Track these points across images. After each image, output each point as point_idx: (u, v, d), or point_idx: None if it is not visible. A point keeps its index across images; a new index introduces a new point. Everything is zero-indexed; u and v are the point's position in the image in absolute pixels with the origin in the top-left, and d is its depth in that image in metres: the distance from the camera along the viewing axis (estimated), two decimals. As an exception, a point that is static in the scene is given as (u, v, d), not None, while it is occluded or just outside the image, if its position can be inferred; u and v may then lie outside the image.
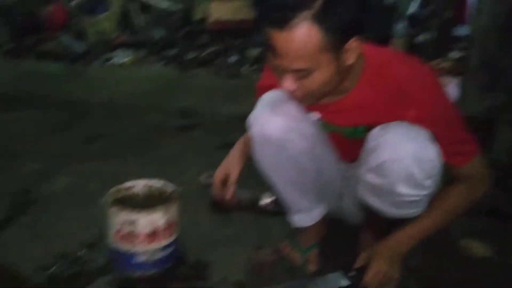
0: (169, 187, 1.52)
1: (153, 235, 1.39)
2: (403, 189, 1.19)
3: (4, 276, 1.40)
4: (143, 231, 1.37)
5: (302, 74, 1.13)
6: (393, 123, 1.20)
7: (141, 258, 1.39)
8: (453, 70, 2.94)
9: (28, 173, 2.01)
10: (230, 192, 1.43)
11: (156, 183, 1.53)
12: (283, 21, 1.08)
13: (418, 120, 1.19)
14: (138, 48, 3.99)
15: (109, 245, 1.42)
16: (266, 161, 1.39)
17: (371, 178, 1.23)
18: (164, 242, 1.41)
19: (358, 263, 1.34)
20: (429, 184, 1.20)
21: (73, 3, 4.32)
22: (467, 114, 1.56)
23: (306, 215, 1.49)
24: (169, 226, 1.42)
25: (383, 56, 1.25)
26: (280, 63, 1.13)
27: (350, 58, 1.15)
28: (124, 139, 2.42)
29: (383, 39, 3.38)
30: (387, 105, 1.21)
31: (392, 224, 1.32)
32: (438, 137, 1.20)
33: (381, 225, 1.43)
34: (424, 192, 1.21)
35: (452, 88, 2.29)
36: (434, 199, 1.27)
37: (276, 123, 1.30)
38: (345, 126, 1.31)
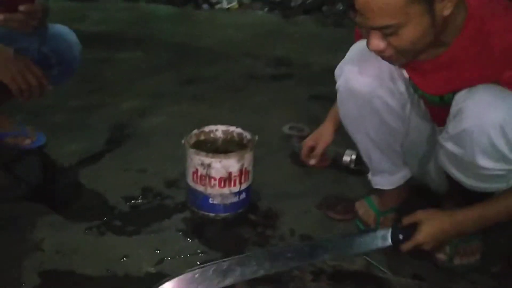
0: (248, 135, 1.53)
1: (226, 179, 1.42)
2: (485, 162, 1.08)
3: (93, 202, 1.53)
4: (217, 175, 1.41)
5: (389, 31, 1.02)
6: (482, 85, 1.07)
7: (214, 201, 1.45)
8: None
9: (126, 110, 2.14)
10: (313, 161, 1.51)
11: (236, 129, 1.56)
12: None
13: None
14: (244, -7, 3.99)
15: (187, 184, 1.49)
16: (350, 116, 1.34)
17: (451, 146, 1.12)
18: (237, 187, 1.45)
19: (408, 220, 1.20)
20: None
21: None
22: None
23: (387, 178, 1.43)
24: (242, 172, 1.44)
25: (490, 4, 1.09)
26: (363, 21, 1.03)
27: (446, 7, 1.01)
28: (218, 84, 2.47)
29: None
30: (485, 66, 1.08)
31: (478, 198, 1.21)
32: None
33: (466, 198, 1.32)
34: (508, 167, 1.08)
35: None
36: None
37: (364, 77, 1.23)
38: (432, 95, 1.20)
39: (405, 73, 1.24)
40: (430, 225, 1.14)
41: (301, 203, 1.56)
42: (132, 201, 1.54)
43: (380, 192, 1.47)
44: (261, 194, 1.57)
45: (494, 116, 1.04)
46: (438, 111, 1.23)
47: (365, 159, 1.43)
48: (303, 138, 1.82)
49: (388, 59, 1.12)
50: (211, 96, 2.32)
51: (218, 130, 1.56)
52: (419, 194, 1.48)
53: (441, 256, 1.32)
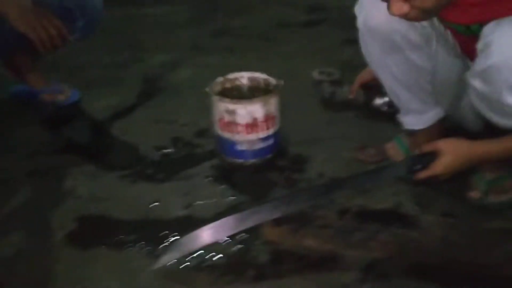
0: (274, 80, 1.51)
1: (252, 125, 1.42)
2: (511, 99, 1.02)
3: (125, 152, 1.58)
4: (242, 121, 1.41)
5: None
6: (510, 18, 1.00)
7: (242, 147, 1.45)
8: None
9: (156, 64, 2.16)
10: (350, 91, 1.67)
11: (261, 75, 1.54)
12: None
13: None
14: None
15: (215, 132, 1.50)
16: (372, 55, 1.31)
17: (477, 83, 1.06)
18: (263, 133, 1.44)
19: (428, 148, 1.16)
20: None
21: None
22: None
23: (418, 117, 1.39)
24: (268, 118, 1.43)
25: None
26: None
27: None
28: (250, 34, 2.43)
29: None
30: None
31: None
32: None
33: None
34: None
35: None
36: None
37: (381, 12, 1.14)
38: (458, 24, 1.13)
39: None
40: (450, 156, 1.11)
41: (330, 147, 1.54)
42: (163, 150, 1.57)
43: (411, 133, 1.43)
44: (289, 140, 1.56)
45: None
46: (468, 42, 1.16)
47: (393, 99, 1.39)
48: (333, 82, 1.79)
49: (414, 20, 1.05)
50: (242, 47, 2.30)
51: (244, 77, 1.55)
52: (453, 134, 1.43)
53: (474, 194, 1.29)
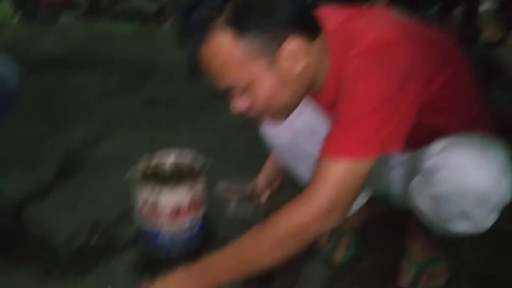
0: (199, 161, 1.43)
1: (177, 212, 1.32)
2: (458, 227, 0.99)
3: (36, 244, 1.42)
4: (166, 208, 1.31)
5: (242, 90, 0.96)
6: (462, 137, 0.97)
7: (166, 237, 1.34)
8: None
9: (79, 137, 2.03)
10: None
11: (186, 157, 1.45)
12: (198, 37, 0.93)
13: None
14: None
15: (136, 221, 1.39)
16: (289, 166, 1.35)
17: (422, 206, 1.02)
18: (189, 220, 1.35)
19: None
20: (493, 218, 0.98)
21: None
22: None
23: None
24: (195, 203, 1.34)
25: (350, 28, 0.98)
26: (214, 84, 0.98)
27: (292, 63, 0.93)
28: (180, 105, 2.37)
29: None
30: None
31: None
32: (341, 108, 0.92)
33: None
34: (484, 226, 0.99)
35: None
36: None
37: (281, 132, 1.24)
38: None
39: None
40: None
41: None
42: (79, 239, 1.43)
43: None
44: (219, 222, 1.47)
45: (478, 180, 0.92)
46: None
47: None
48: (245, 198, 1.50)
49: (258, 119, 1.06)
50: (172, 120, 2.22)
51: (167, 160, 1.45)
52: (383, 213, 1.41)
53: (403, 282, 1.24)
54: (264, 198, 1.37)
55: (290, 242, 0.93)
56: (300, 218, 0.91)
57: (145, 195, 1.32)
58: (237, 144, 1.96)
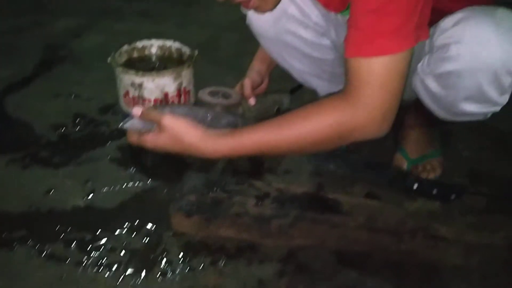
0: (188, 50, 1.36)
1: (162, 101, 1.27)
2: (468, 107, 0.94)
3: (17, 132, 1.37)
4: (151, 96, 1.26)
5: None
6: (476, 10, 0.88)
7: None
8: None
9: (60, 30, 1.93)
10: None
11: (174, 44, 1.38)
12: None
13: None
14: None
15: (121, 108, 1.33)
16: (274, 55, 1.25)
17: (432, 85, 0.95)
18: (176, 109, 1.29)
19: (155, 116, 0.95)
20: (503, 100, 0.93)
21: None
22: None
23: None
24: (181, 93, 1.29)
25: None
26: None
27: None
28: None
29: None
30: None
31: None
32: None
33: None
34: (494, 109, 0.95)
35: None
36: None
37: (265, 17, 1.11)
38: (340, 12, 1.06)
39: None
40: (168, 139, 0.93)
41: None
42: (62, 129, 1.39)
43: None
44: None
45: (491, 56, 0.85)
46: None
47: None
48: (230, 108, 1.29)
49: (256, 10, 0.95)
50: (159, 12, 2.10)
51: (153, 46, 1.38)
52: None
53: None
54: (252, 101, 1.27)
55: (332, 144, 0.89)
56: (352, 125, 0.84)
57: (129, 81, 1.26)
58: (227, 41, 1.87)
